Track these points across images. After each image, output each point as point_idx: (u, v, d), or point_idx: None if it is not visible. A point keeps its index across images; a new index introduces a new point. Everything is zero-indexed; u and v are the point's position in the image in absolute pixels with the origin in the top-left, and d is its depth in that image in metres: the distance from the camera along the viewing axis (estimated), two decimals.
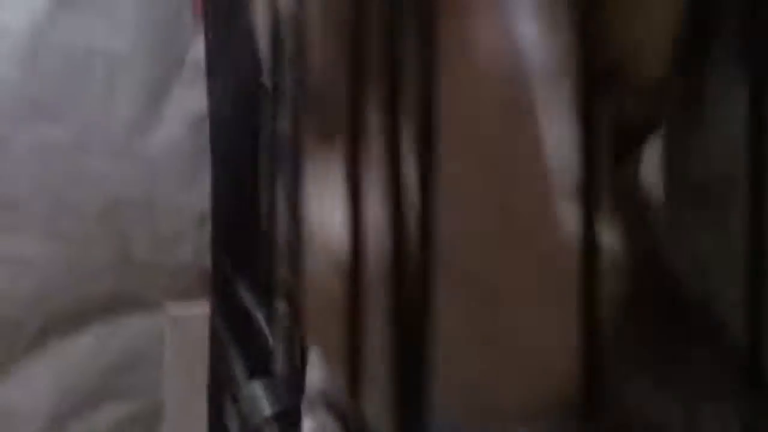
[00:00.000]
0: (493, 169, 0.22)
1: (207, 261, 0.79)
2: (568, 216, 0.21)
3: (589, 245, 0.20)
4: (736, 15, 0.22)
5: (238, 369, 0.55)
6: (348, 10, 0.22)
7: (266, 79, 0.31)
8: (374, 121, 0.22)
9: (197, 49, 0.84)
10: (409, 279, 0.21)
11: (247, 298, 0.56)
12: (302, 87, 0.26)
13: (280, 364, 0.38)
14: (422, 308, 0.20)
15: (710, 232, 0.23)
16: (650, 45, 0.24)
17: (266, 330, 0.48)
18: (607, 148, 0.21)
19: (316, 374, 0.32)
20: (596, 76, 0.20)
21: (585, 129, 0.20)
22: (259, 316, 0.52)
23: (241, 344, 0.58)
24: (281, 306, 0.33)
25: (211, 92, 0.81)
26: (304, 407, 0.33)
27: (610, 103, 0.21)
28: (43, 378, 0.85)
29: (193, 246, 0.86)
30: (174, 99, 0.87)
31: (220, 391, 0.66)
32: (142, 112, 0.87)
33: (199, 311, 0.82)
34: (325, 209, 0.24)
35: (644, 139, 0.25)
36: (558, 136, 0.21)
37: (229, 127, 0.73)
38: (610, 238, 0.21)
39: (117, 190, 0.86)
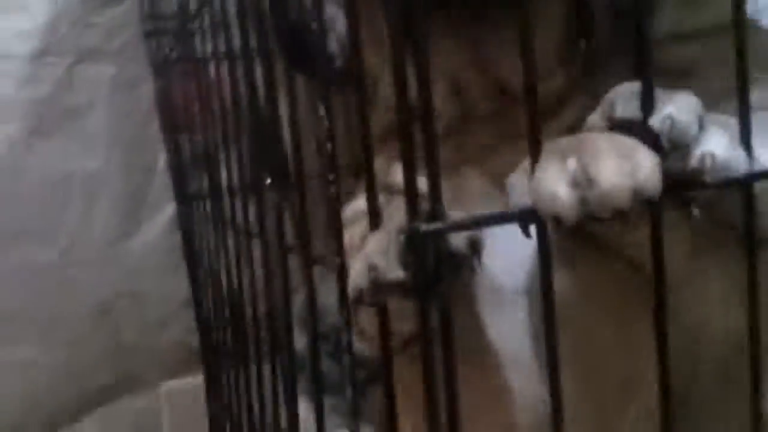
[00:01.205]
0: None
1: (195, 340, 0.87)
2: None
3: None
4: None
5: None
6: None
7: None
8: None
9: (166, 158, 0.94)
10: None
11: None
12: None
13: None
14: None
15: None
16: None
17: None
18: None
19: None
20: None
21: None
22: None
23: None
24: None
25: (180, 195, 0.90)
26: None
27: None
28: None
29: (180, 327, 0.94)
30: (149, 206, 0.96)
31: None
32: (121, 222, 0.94)
33: (191, 384, 0.90)
34: None
35: None
36: None
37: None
38: None
39: (105, 294, 0.93)
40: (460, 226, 0.28)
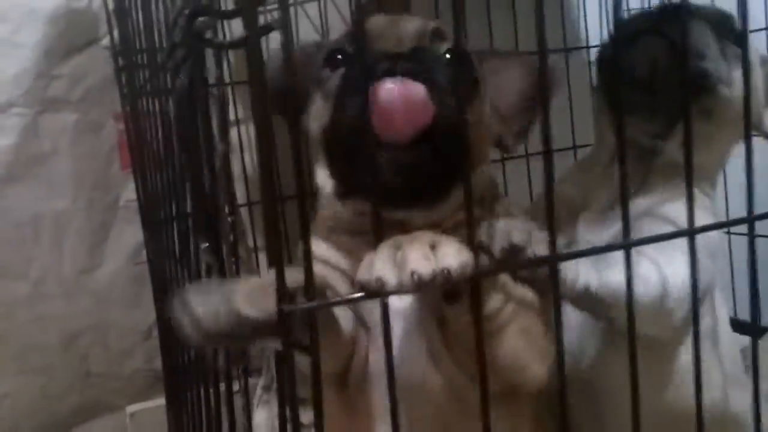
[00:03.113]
0: None
1: (157, 365, 0.93)
2: None
3: None
4: None
5: None
6: None
7: None
8: None
9: (126, 195, 1.00)
10: None
11: None
12: None
13: None
14: None
15: None
16: None
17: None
18: None
19: None
20: None
21: None
22: None
23: None
24: None
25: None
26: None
27: None
28: None
29: (143, 354, 1.01)
30: (111, 240, 1.01)
31: None
32: (86, 256, 1.00)
33: (155, 405, 0.96)
34: None
35: None
36: None
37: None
38: None
39: (73, 323, 0.99)
40: (325, 305, 0.37)
